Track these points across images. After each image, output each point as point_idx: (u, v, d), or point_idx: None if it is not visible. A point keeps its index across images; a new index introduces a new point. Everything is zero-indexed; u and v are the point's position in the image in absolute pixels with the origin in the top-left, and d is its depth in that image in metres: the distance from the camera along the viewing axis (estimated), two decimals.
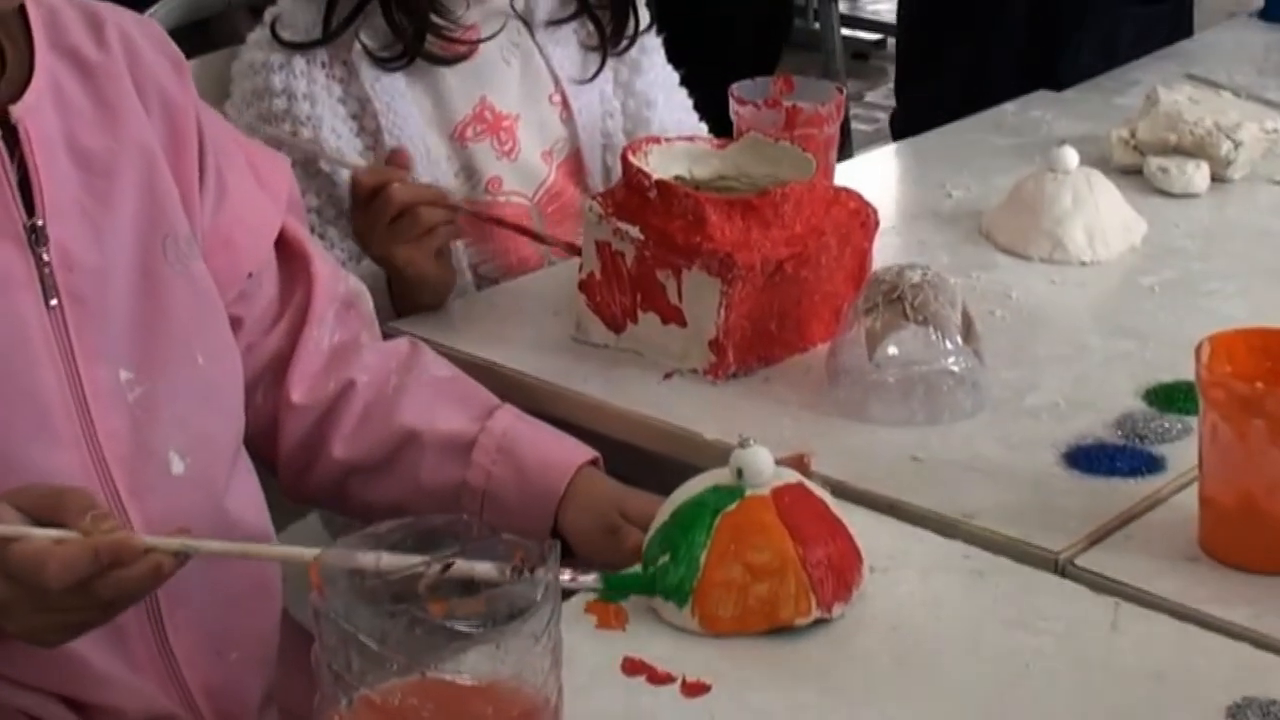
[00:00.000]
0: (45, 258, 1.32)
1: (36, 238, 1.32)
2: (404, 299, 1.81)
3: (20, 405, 1.31)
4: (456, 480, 1.52)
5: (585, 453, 1.53)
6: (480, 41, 1.94)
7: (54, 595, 1.17)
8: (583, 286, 1.73)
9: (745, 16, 3.18)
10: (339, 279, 1.60)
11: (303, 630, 1.48)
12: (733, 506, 1.32)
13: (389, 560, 1.14)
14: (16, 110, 1.32)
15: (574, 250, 1.81)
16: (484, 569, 1.13)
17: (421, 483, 1.53)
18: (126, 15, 1.45)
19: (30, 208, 1.32)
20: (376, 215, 1.73)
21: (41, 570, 1.16)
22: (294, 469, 1.58)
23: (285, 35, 1.90)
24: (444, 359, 1.63)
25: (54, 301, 1.32)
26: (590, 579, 1.31)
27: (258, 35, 1.93)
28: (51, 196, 1.32)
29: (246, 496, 1.48)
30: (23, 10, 1.35)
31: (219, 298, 1.47)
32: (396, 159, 1.81)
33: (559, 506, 1.49)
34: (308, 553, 1.23)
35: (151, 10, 2.03)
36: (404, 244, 1.74)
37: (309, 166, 1.86)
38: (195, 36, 2.07)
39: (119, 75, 1.40)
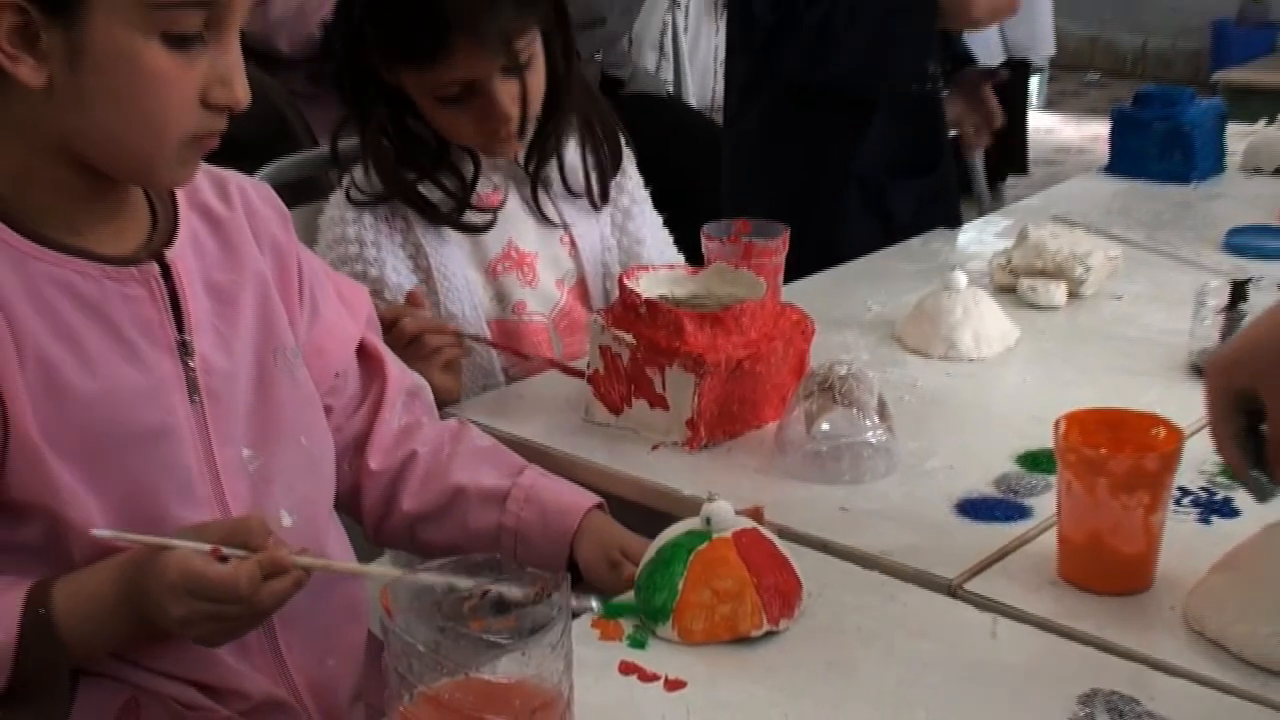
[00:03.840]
0: (191, 365, 1.33)
1: (185, 349, 1.33)
2: None
3: (169, 477, 1.32)
4: (495, 524, 1.52)
5: (592, 499, 1.54)
6: (494, 211, 1.97)
7: (228, 605, 1.21)
8: (590, 380, 1.74)
9: (711, 181, 3.19)
10: (406, 376, 1.61)
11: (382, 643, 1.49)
12: (703, 546, 1.33)
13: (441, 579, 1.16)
14: (170, 253, 1.34)
15: (568, 371, 1.82)
16: (513, 593, 1.15)
17: (469, 527, 1.54)
18: (244, 179, 1.47)
19: (180, 326, 1.33)
20: (394, 341, 1.72)
21: (234, 587, 1.20)
22: (374, 519, 1.58)
23: (357, 197, 1.92)
24: (485, 434, 1.64)
25: (196, 398, 1.33)
26: (593, 604, 1.31)
27: (337, 196, 1.94)
28: (195, 318, 1.34)
29: (337, 542, 1.49)
30: None
31: (316, 393, 1.48)
32: (412, 299, 1.82)
33: (572, 541, 1.49)
34: (395, 572, 1.32)
35: (260, 173, 2.05)
36: (416, 361, 1.73)
37: None
38: (292, 191, 2.09)
39: (240, 225, 1.42)
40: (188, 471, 1.33)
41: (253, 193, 1.46)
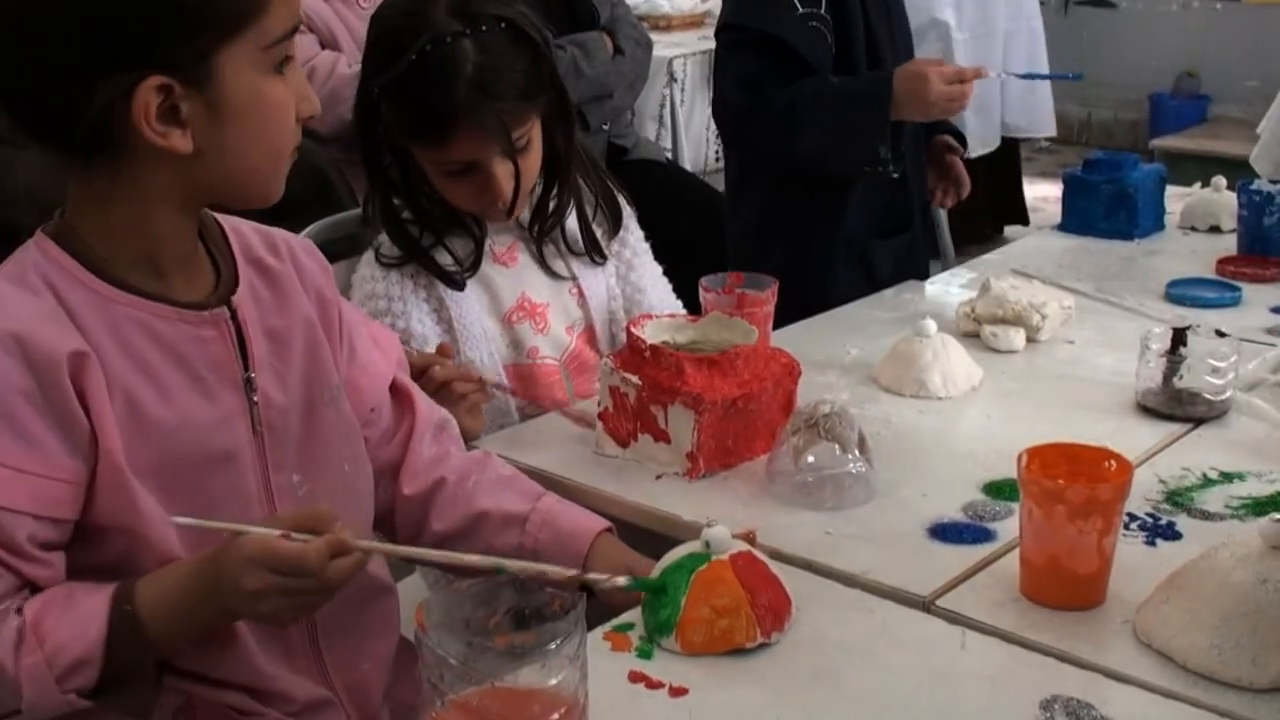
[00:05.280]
0: (255, 399, 1.34)
1: (250, 386, 1.34)
2: None
3: (233, 498, 1.32)
4: (515, 545, 1.51)
5: (602, 523, 1.53)
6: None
7: (301, 579, 1.21)
8: (600, 417, 1.74)
9: (708, 242, 3.20)
10: (434, 411, 1.61)
11: (409, 648, 1.48)
12: (703, 567, 1.33)
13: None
14: (235, 300, 1.34)
15: (580, 423, 1.81)
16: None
17: (492, 547, 1.52)
18: (291, 236, 1.48)
19: (245, 365, 1.34)
20: (425, 386, 1.71)
21: (305, 560, 1.20)
22: (406, 538, 1.57)
23: (385, 259, 1.93)
24: (508, 464, 1.64)
25: (258, 429, 1.34)
26: (621, 581, 1.33)
27: (368, 256, 1.95)
28: (258, 359, 1.35)
29: (376, 559, 1.48)
30: (224, 234, 1.39)
31: (357, 425, 1.48)
32: (443, 350, 1.81)
33: (584, 562, 1.48)
34: (435, 554, 1.36)
35: (303, 233, 2.05)
36: (444, 404, 1.70)
37: None
38: (335, 246, 2.10)
39: (290, 276, 1.42)
40: (248, 494, 1.34)
41: (298, 248, 1.47)
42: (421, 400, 1.61)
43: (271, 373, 1.36)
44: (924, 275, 2.59)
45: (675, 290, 2.17)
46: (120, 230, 1.27)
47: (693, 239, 3.66)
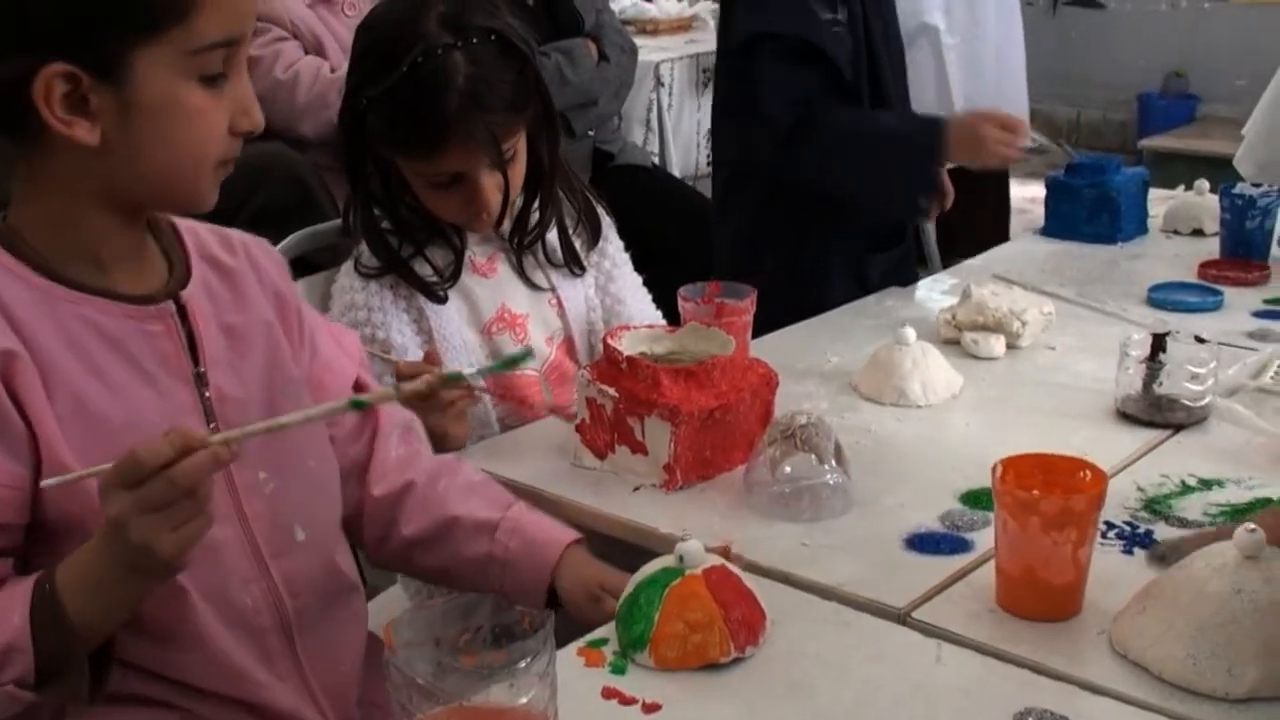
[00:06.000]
0: (206, 394, 1.33)
1: (200, 381, 1.33)
2: (435, 448, 1.78)
3: None
4: (485, 552, 1.51)
5: (572, 534, 1.52)
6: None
7: (148, 484, 1.13)
8: (577, 429, 1.73)
9: (693, 248, 3.18)
10: (398, 411, 1.60)
11: (380, 646, 1.48)
12: (677, 582, 1.32)
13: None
14: (184, 295, 1.34)
15: (562, 416, 1.80)
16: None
17: (461, 554, 1.52)
18: (246, 235, 1.47)
19: (195, 360, 1.33)
20: (412, 395, 1.72)
21: (133, 454, 1.13)
22: (374, 542, 1.57)
23: (364, 269, 1.92)
24: (476, 470, 1.63)
25: (213, 424, 1.32)
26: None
27: (348, 266, 1.94)
28: (209, 353, 1.34)
29: (344, 556, 1.49)
30: (177, 231, 1.39)
31: (322, 422, 1.47)
32: (430, 357, 1.80)
33: (553, 572, 1.48)
34: (338, 405, 1.28)
35: (283, 244, 2.04)
36: (433, 412, 1.73)
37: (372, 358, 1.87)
38: (318, 256, 2.10)
39: (246, 274, 1.42)
40: (216, 489, 1.30)
41: (254, 247, 1.47)
42: None
43: (228, 368, 1.36)
44: (912, 281, 2.57)
45: (660, 301, 2.17)
46: (56, 224, 1.27)
47: (679, 245, 3.65)
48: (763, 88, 2.42)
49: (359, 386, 1.56)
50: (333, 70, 3.21)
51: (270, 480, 1.37)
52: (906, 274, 2.63)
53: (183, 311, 1.33)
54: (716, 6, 4.89)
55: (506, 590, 1.49)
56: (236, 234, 1.46)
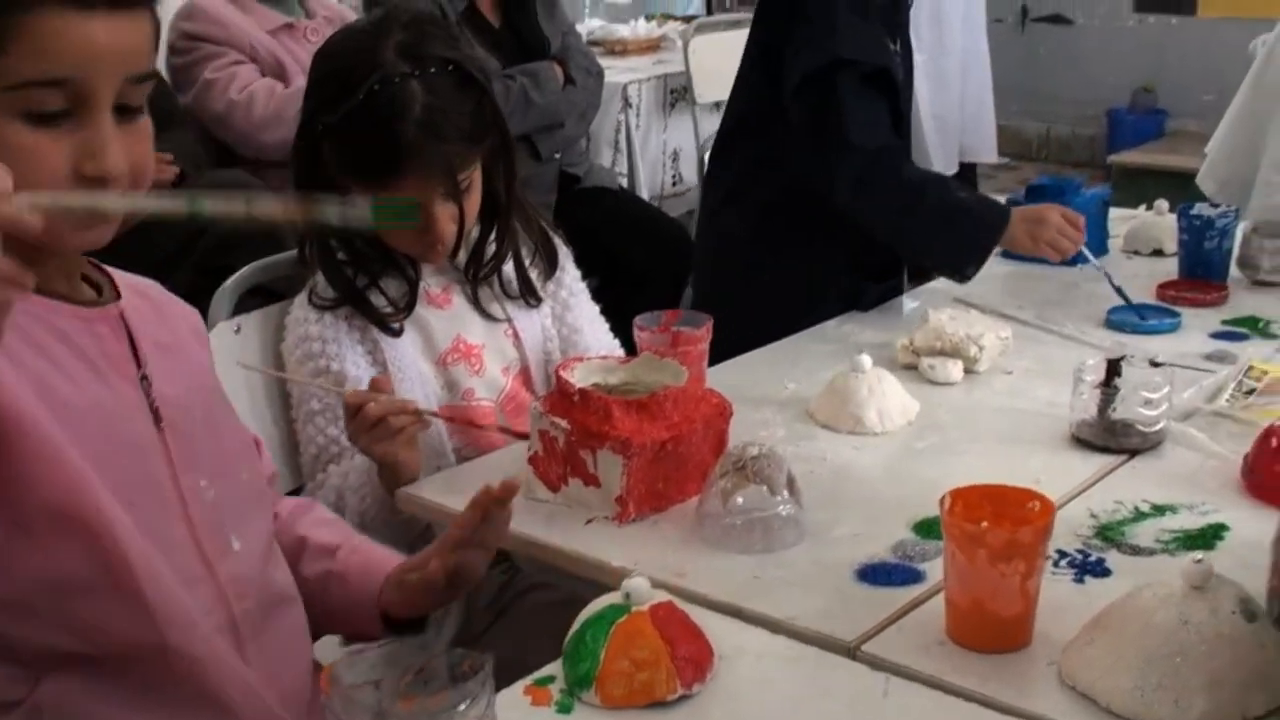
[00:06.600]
0: (150, 395, 1.33)
1: (145, 382, 1.33)
2: (387, 479, 1.79)
3: (151, 492, 1.32)
4: (325, 569, 1.56)
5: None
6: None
7: None
8: (530, 461, 1.72)
9: (659, 270, 3.20)
10: (269, 464, 1.64)
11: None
12: (623, 619, 1.31)
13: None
14: (123, 305, 1.35)
15: (514, 435, 1.80)
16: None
17: (304, 573, 1.55)
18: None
19: (138, 363, 1.34)
20: (360, 424, 1.73)
21: None
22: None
23: (318, 301, 1.92)
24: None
25: (160, 425, 1.33)
26: None
27: (301, 298, 1.94)
28: (149, 357, 1.35)
29: (277, 566, 1.49)
30: (100, 267, 1.39)
31: (249, 438, 1.52)
32: (377, 384, 1.79)
33: (387, 578, 1.54)
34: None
35: (237, 274, 2.05)
36: (380, 442, 1.73)
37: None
38: (257, 293, 2.09)
39: (170, 306, 1.45)
40: (164, 491, 1.33)
41: (172, 295, 1.49)
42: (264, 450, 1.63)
43: (165, 374, 1.36)
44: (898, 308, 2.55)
45: (628, 319, 2.16)
46: None
47: (646, 267, 3.67)
48: (845, 117, 2.37)
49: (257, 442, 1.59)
50: (288, 87, 3.24)
51: (210, 488, 1.38)
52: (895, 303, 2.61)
53: (123, 318, 1.34)
54: (685, 27, 4.93)
55: (344, 603, 1.53)
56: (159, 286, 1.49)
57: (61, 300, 1.29)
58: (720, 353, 2.12)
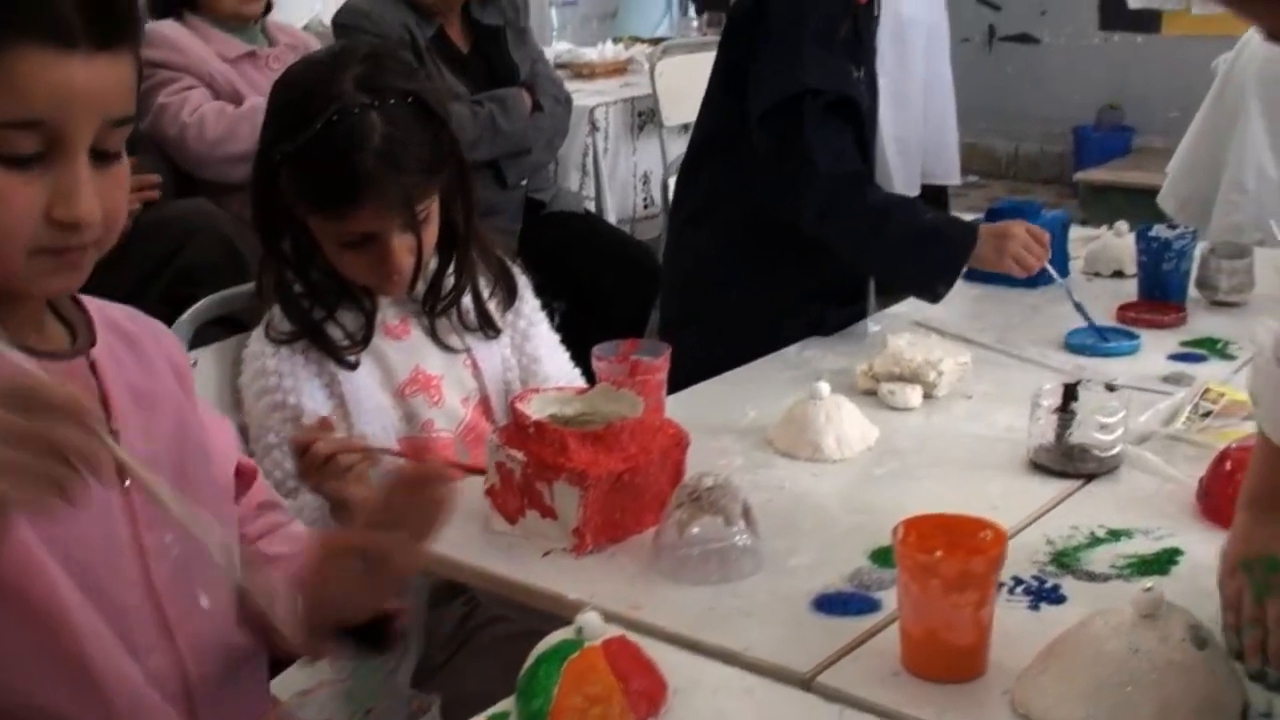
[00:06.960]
0: None
1: (114, 436, 1.28)
2: (338, 517, 1.78)
3: (104, 554, 1.28)
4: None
5: None
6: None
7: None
8: (488, 493, 1.72)
9: (626, 294, 3.19)
10: (268, 493, 1.61)
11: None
12: (575, 655, 1.30)
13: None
14: (94, 354, 1.32)
15: (467, 470, 1.79)
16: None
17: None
18: (147, 316, 1.46)
19: (108, 416, 1.30)
20: (309, 463, 1.72)
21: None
22: None
23: (275, 335, 1.91)
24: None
25: (127, 483, 1.29)
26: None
27: (258, 332, 1.93)
28: (120, 411, 1.32)
29: (246, 626, 1.45)
30: (79, 301, 1.36)
31: (227, 487, 1.47)
32: (323, 424, 1.79)
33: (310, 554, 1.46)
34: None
35: (194, 308, 2.03)
36: (330, 480, 1.72)
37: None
38: (223, 322, 2.08)
39: (148, 342, 1.41)
40: (120, 548, 1.30)
41: (155, 323, 1.46)
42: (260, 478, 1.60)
43: (138, 429, 1.33)
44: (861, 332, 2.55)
45: (595, 343, 2.15)
46: None
47: (614, 292, 3.67)
48: (810, 145, 2.39)
49: (239, 472, 1.55)
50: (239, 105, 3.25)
51: (175, 544, 1.34)
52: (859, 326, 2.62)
53: (93, 369, 1.31)
54: (652, 50, 4.94)
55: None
56: (133, 309, 1.44)
57: (27, 353, 1.25)
58: (687, 372, 2.13)
